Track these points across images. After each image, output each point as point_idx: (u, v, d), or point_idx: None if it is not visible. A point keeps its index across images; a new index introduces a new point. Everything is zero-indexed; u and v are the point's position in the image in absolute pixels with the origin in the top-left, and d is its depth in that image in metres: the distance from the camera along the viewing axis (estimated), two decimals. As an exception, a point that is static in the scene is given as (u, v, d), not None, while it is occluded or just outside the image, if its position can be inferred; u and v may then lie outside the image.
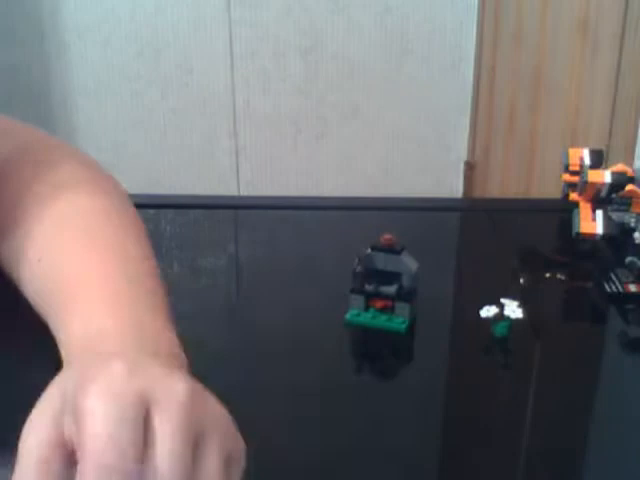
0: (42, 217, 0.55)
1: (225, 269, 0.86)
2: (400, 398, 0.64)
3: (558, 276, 0.83)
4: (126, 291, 0.49)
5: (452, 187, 2.42)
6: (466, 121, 2.37)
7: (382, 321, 0.71)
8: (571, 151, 0.93)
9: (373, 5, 2.26)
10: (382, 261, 0.71)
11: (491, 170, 2.28)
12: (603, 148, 0.96)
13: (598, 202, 0.87)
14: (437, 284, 0.81)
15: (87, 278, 0.50)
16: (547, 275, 0.83)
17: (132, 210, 0.59)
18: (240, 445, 0.38)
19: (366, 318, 0.71)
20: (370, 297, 0.72)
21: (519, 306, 0.72)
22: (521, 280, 0.82)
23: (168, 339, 0.47)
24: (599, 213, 0.85)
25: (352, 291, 0.72)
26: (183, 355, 0.46)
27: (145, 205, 0.93)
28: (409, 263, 0.71)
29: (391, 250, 0.71)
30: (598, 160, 0.91)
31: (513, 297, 0.74)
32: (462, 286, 0.86)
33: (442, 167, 2.43)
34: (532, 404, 0.63)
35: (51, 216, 0.55)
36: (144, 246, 0.55)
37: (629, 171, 0.87)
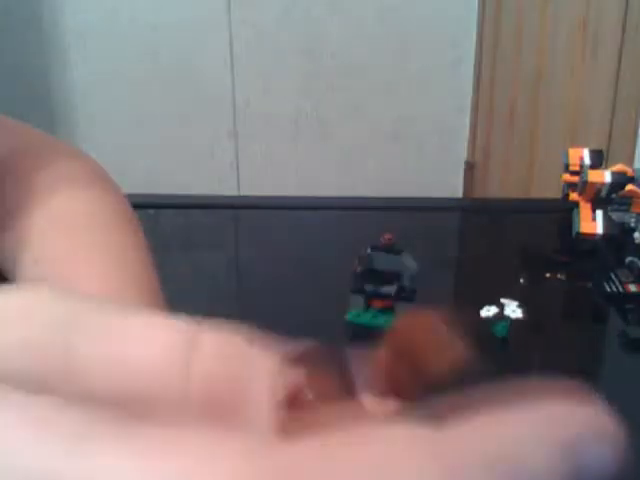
0: (39, 217, 0.55)
1: (225, 269, 0.86)
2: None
3: (558, 276, 0.83)
4: (124, 292, 0.49)
5: (452, 187, 2.42)
6: (466, 121, 2.37)
7: (382, 321, 0.71)
8: (571, 151, 0.93)
9: (373, 5, 2.26)
10: (382, 261, 0.71)
11: (491, 170, 2.28)
12: (603, 148, 0.96)
13: (598, 202, 0.87)
14: (437, 284, 0.81)
15: (84, 279, 0.50)
16: (547, 275, 0.83)
17: (130, 211, 0.59)
18: None
19: (366, 318, 0.71)
20: (370, 297, 0.72)
21: (519, 306, 0.72)
22: (521, 280, 0.82)
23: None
24: (599, 213, 0.85)
25: (352, 291, 0.72)
26: None
27: (145, 205, 0.93)
28: (409, 263, 0.71)
29: (391, 250, 0.71)
30: (598, 160, 0.91)
31: (513, 297, 0.74)
32: (462, 286, 0.86)
33: (442, 167, 2.43)
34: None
35: (48, 216, 0.55)
36: (141, 247, 0.55)
37: (629, 171, 0.87)
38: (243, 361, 0.16)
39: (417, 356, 0.19)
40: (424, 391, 0.19)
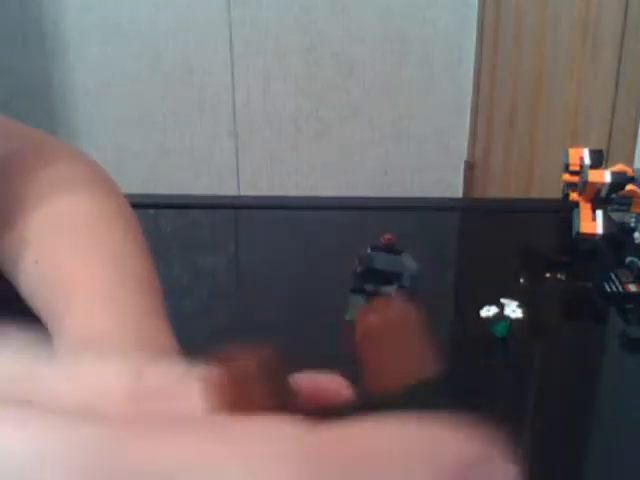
0: (39, 217, 0.55)
1: (225, 269, 0.86)
2: (399, 398, 0.64)
3: (558, 276, 0.83)
4: (125, 293, 0.49)
5: (452, 187, 2.42)
6: (466, 121, 2.37)
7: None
8: (571, 151, 0.93)
9: (373, 5, 2.26)
10: (382, 261, 0.71)
11: (491, 170, 2.28)
12: (603, 148, 0.96)
13: (598, 202, 0.87)
14: (437, 284, 0.81)
15: (85, 280, 0.50)
16: (547, 275, 0.83)
17: (129, 211, 0.59)
18: None
19: (366, 318, 0.71)
20: (370, 297, 0.72)
21: (519, 306, 0.72)
22: (521, 280, 0.82)
23: (166, 340, 0.47)
24: (599, 213, 0.85)
25: (352, 291, 0.72)
26: (179, 356, 0.46)
27: (145, 205, 0.93)
28: (409, 263, 0.71)
29: (391, 250, 0.71)
30: (598, 160, 0.91)
31: (513, 297, 0.74)
32: (462, 286, 0.86)
33: (442, 167, 2.43)
34: (532, 404, 0.63)
35: (48, 216, 0.55)
36: (141, 247, 0.55)
37: (629, 171, 0.87)
38: (178, 384, 0.20)
39: (387, 351, 0.20)
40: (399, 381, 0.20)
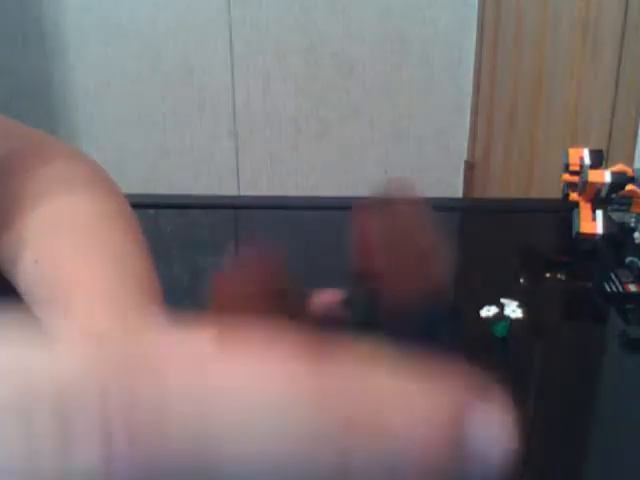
0: (38, 217, 0.55)
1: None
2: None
3: (558, 276, 0.83)
4: (125, 292, 0.49)
5: (452, 187, 2.42)
6: (466, 121, 2.37)
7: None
8: (571, 151, 0.93)
9: (373, 5, 2.26)
10: (382, 261, 0.71)
11: (491, 170, 2.28)
12: (603, 148, 0.96)
13: (598, 202, 0.86)
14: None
15: (85, 280, 0.50)
16: (547, 275, 0.83)
17: (129, 211, 0.58)
18: None
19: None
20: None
21: (519, 306, 0.72)
22: (521, 280, 0.82)
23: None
24: (599, 213, 0.85)
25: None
26: None
27: (145, 205, 0.93)
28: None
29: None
30: (598, 160, 0.91)
31: (513, 297, 0.74)
32: (462, 286, 0.86)
33: (442, 167, 2.43)
34: (532, 404, 0.63)
35: (47, 216, 0.55)
36: (141, 247, 0.55)
37: (629, 171, 0.87)
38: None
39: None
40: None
